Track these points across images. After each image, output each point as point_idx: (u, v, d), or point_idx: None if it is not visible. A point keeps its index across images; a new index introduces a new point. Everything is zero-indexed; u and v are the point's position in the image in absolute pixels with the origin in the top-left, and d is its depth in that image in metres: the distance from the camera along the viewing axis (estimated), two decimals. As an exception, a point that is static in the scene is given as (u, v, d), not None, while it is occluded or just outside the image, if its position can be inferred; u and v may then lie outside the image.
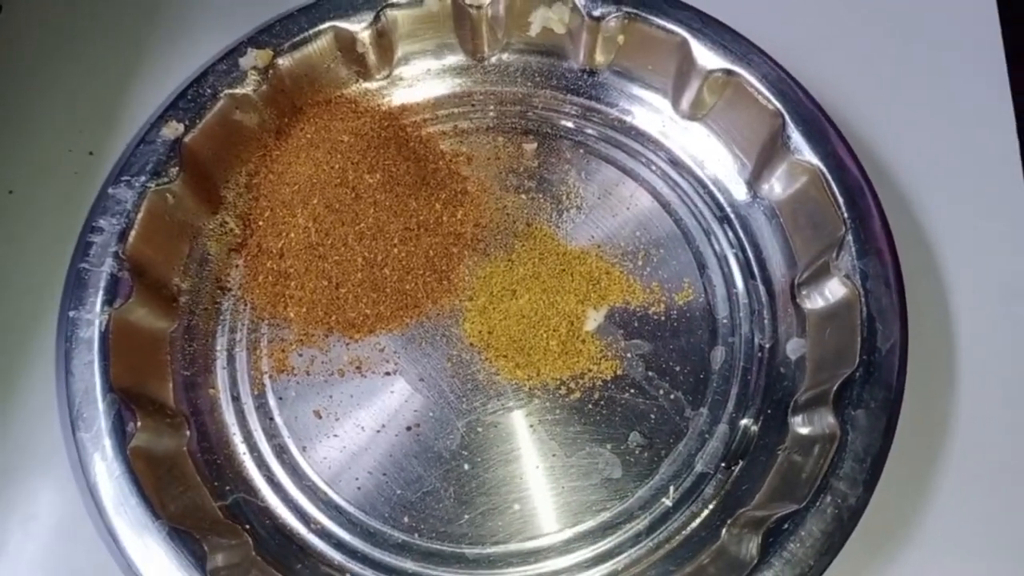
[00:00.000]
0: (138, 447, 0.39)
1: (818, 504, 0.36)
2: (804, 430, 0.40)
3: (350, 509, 0.41)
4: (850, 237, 0.41)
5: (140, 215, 0.43)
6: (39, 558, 0.42)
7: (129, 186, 0.43)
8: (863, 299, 0.40)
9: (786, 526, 0.36)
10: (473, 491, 0.41)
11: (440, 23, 0.48)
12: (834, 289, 0.42)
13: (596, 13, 0.46)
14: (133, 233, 0.43)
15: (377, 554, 0.41)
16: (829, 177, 0.42)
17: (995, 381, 0.43)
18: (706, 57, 0.45)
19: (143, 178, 0.43)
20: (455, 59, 0.50)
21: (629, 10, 0.46)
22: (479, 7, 0.47)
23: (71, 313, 0.41)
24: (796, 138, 0.43)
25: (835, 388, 0.39)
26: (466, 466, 0.42)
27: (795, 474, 0.39)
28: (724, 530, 0.39)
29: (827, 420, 0.39)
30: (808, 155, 0.43)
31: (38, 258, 0.47)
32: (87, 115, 0.51)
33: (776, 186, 0.45)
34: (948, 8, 0.51)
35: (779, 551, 0.36)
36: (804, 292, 0.43)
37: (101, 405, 0.39)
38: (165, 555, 0.37)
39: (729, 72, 0.45)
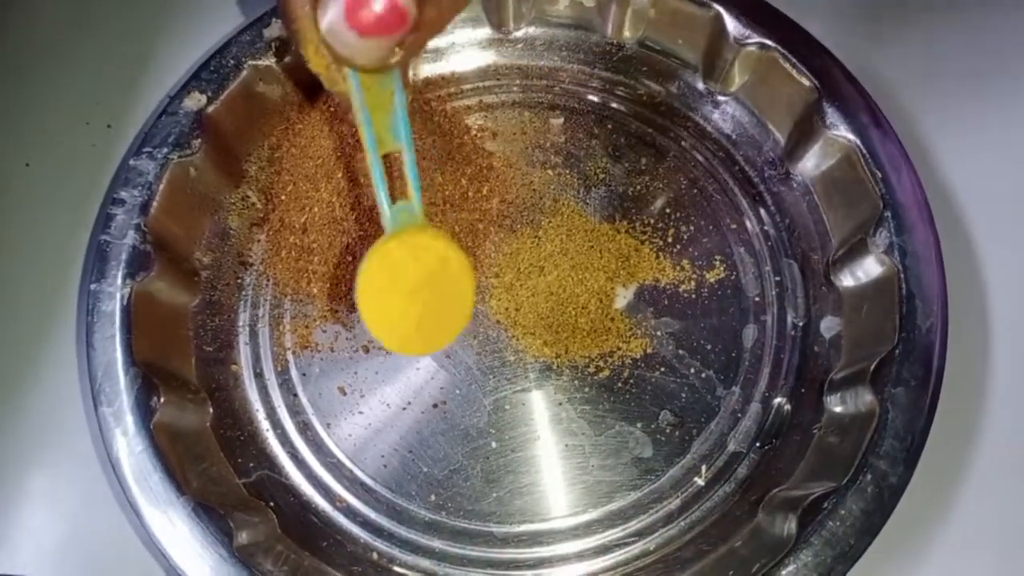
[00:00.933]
0: (161, 422, 0.38)
1: (858, 483, 0.36)
2: (840, 408, 0.40)
3: (376, 487, 0.41)
4: (888, 214, 0.40)
5: (162, 187, 0.42)
6: (61, 534, 0.41)
7: (151, 157, 0.42)
8: (902, 276, 0.39)
9: (825, 505, 0.36)
10: (500, 469, 0.41)
11: (466, -5, 0.48)
12: (870, 267, 0.41)
13: (626, -15, 0.46)
14: (155, 205, 0.42)
15: (404, 532, 0.40)
16: (865, 153, 0.42)
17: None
18: (739, 30, 0.44)
19: (165, 150, 0.43)
20: (481, 32, 0.49)
21: (661, -18, 0.45)
22: (506, -22, 0.47)
23: (92, 286, 0.40)
24: (831, 113, 0.43)
25: (873, 366, 0.38)
26: (493, 444, 0.41)
27: (831, 454, 0.38)
28: (759, 509, 0.39)
29: (865, 399, 0.38)
30: (844, 131, 0.42)
31: (57, 230, 0.46)
32: (105, 87, 0.50)
33: (810, 162, 0.44)
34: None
35: (818, 530, 0.35)
36: (839, 270, 0.43)
37: (124, 379, 0.39)
38: (190, 531, 0.36)
39: (763, 46, 0.44)
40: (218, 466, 0.40)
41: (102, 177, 0.47)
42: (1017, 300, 0.44)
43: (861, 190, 0.42)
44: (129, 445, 0.37)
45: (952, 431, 0.41)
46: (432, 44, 0.49)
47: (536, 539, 0.40)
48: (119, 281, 0.40)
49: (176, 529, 0.36)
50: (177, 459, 0.38)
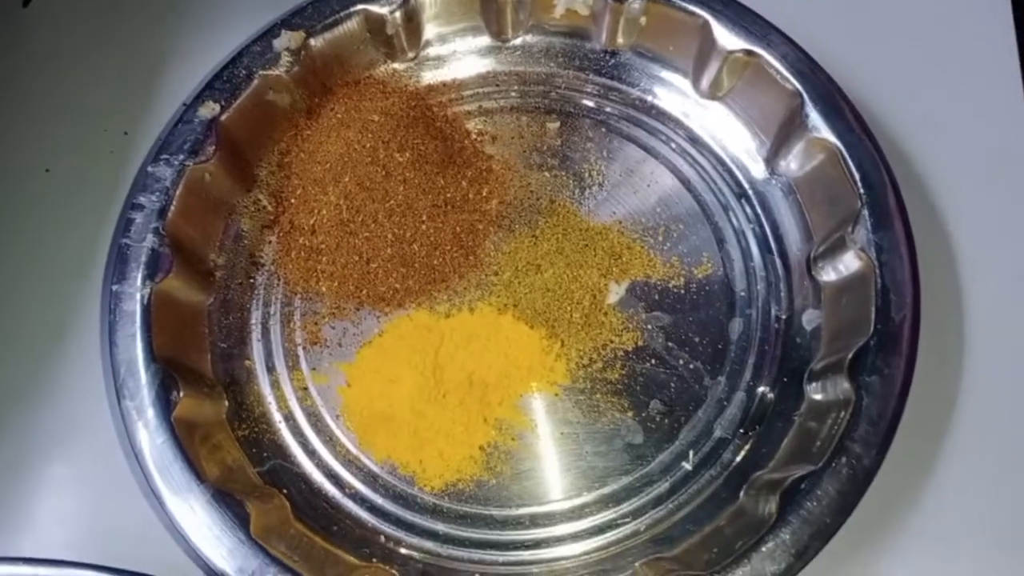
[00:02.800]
0: (180, 415, 0.41)
1: (834, 465, 0.38)
2: (819, 396, 0.42)
3: (382, 474, 0.43)
4: (866, 212, 0.42)
5: (179, 192, 0.45)
6: (87, 520, 0.44)
7: (168, 164, 0.45)
8: (878, 271, 0.41)
9: (803, 486, 0.38)
10: (499, 456, 0.43)
11: (466, 5, 0.50)
12: (849, 262, 0.43)
13: (619, -6, 0.48)
14: (172, 210, 0.44)
15: (409, 516, 0.42)
16: (845, 154, 0.44)
17: (1004, 351, 0.45)
18: (727, 38, 0.46)
19: (181, 156, 0.45)
20: (480, 40, 0.51)
21: (652, -8, 0.47)
22: (504, -11, 0.49)
23: (114, 287, 0.43)
24: (814, 117, 0.45)
25: (850, 356, 0.40)
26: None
27: (810, 439, 0.41)
28: (742, 492, 0.41)
29: (842, 386, 0.40)
30: (825, 133, 0.44)
31: (79, 233, 0.49)
32: (121, 96, 0.52)
33: (793, 163, 0.46)
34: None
35: (796, 510, 0.37)
36: (820, 265, 0.45)
37: (145, 375, 0.41)
38: (209, 517, 0.39)
39: (749, 52, 0.46)
40: (234, 456, 0.42)
41: (120, 182, 0.49)
42: (990, 292, 0.46)
43: (841, 189, 0.44)
44: (151, 437, 0.40)
45: (925, 417, 0.43)
46: (434, 52, 0.51)
47: (534, 521, 0.42)
48: (139, 282, 0.43)
49: (196, 515, 0.39)
50: (195, 450, 0.40)
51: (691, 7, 0.47)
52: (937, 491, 0.42)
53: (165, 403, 0.41)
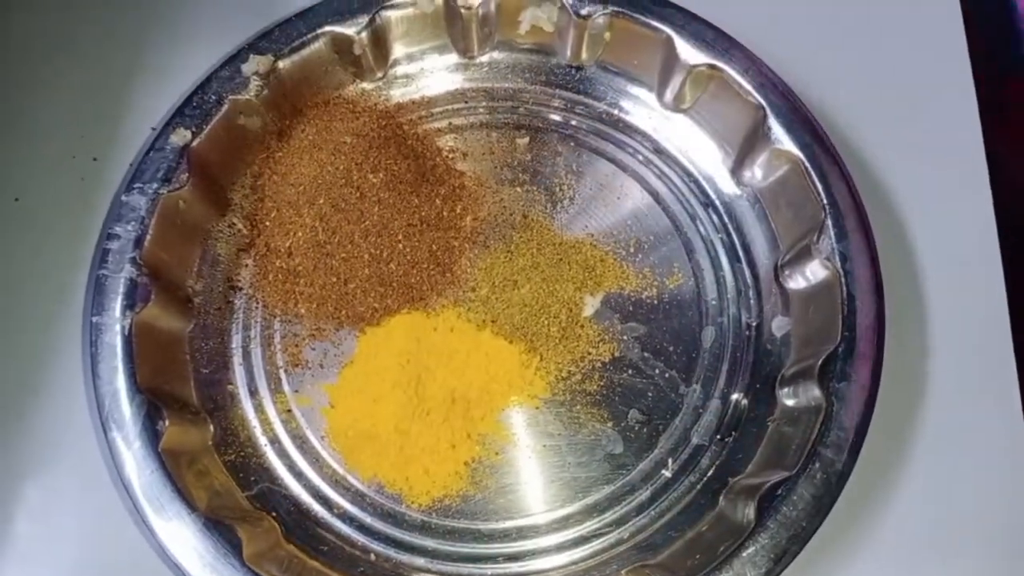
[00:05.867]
0: (167, 445, 0.41)
1: (808, 470, 0.40)
2: (791, 402, 0.44)
3: (370, 493, 0.44)
4: (829, 221, 0.44)
5: (154, 221, 0.45)
6: (78, 550, 0.44)
7: (142, 193, 0.45)
8: (842, 279, 0.43)
9: (779, 491, 0.40)
10: (484, 471, 0.44)
11: (433, 24, 0.50)
12: (815, 270, 0.45)
13: (583, 12, 0.49)
14: (148, 239, 0.44)
15: (398, 534, 0.43)
16: (808, 165, 0.45)
17: (967, 353, 0.47)
18: (689, 53, 0.48)
19: (155, 185, 0.45)
20: (448, 58, 0.52)
21: (615, 8, 0.48)
22: (470, 7, 0.49)
23: (94, 319, 0.43)
24: (776, 129, 0.46)
25: (819, 363, 0.42)
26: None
27: (785, 444, 0.42)
28: (721, 497, 0.42)
29: (813, 393, 0.42)
30: (788, 145, 0.46)
31: (53, 263, 0.48)
32: (89, 121, 0.52)
33: (758, 174, 0.48)
34: (915, 7, 0.54)
35: (774, 515, 0.39)
36: (787, 273, 0.46)
37: (130, 407, 0.41)
38: (202, 545, 0.39)
39: (712, 67, 0.47)
40: (222, 481, 0.43)
41: (92, 210, 0.49)
42: (952, 296, 0.48)
43: (805, 199, 0.45)
44: (139, 468, 0.40)
45: (894, 420, 0.45)
46: (403, 71, 0.52)
47: (520, 533, 0.43)
48: (118, 313, 0.43)
49: (189, 544, 0.39)
50: (184, 478, 0.41)
51: (653, 22, 0.48)
52: (907, 492, 0.44)
53: (152, 434, 0.41)
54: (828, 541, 0.42)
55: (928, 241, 0.49)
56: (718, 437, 0.45)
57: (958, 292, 0.48)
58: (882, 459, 0.44)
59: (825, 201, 0.44)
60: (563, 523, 0.43)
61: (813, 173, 0.45)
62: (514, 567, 0.43)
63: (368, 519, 0.44)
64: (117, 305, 0.43)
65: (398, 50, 0.51)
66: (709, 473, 0.44)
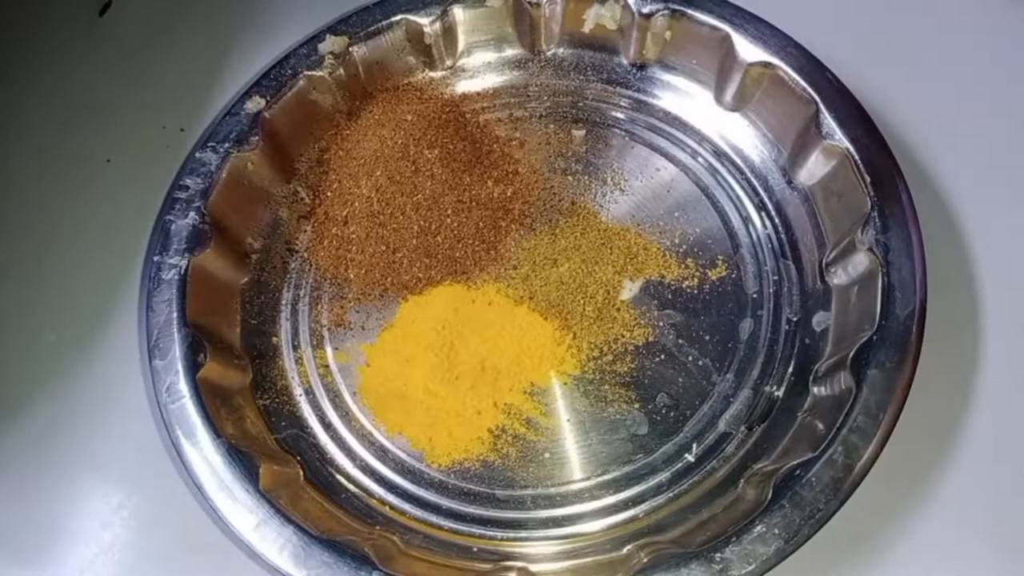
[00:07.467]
0: (205, 377, 0.43)
1: (829, 453, 0.38)
2: (824, 392, 0.42)
3: (393, 448, 0.45)
4: (875, 213, 0.43)
5: (222, 177, 0.48)
6: (116, 472, 0.46)
7: (214, 151, 0.48)
8: (884, 270, 0.42)
9: (797, 472, 0.38)
10: (506, 439, 0.44)
11: (501, 19, 0.53)
12: (858, 263, 0.44)
13: (645, 10, 0.50)
14: (214, 192, 0.47)
15: (415, 490, 0.44)
16: (857, 157, 0.44)
17: (1018, 352, 0.44)
18: (747, 50, 0.48)
19: (227, 144, 0.48)
20: (514, 52, 0.54)
21: (676, 7, 0.50)
22: (538, 5, 0.52)
23: (155, 258, 0.46)
24: (828, 123, 0.46)
25: (854, 351, 0.41)
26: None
27: (811, 433, 0.41)
28: (742, 481, 0.41)
29: (845, 382, 0.41)
30: (839, 139, 0.45)
31: (130, 214, 0.52)
32: (181, 97, 0.56)
33: (809, 171, 0.48)
34: (974, 7, 0.53)
35: (788, 494, 0.38)
36: (832, 270, 0.45)
37: (176, 337, 0.43)
38: (223, 468, 0.40)
39: (767, 64, 0.48)
40: (253, 420, 0.44)
41: (173, 171, 0.53)
42: (1005, 292, 0.46)
43: (854, 194, 0.45)
44: (174, 393, 0.42)
45: (934, 416, 0.43)
46: (470, 62, 0.54)
47: (536, 501, 0.43)
48: (179, 254, 0.46)
49: (210, 466, 0.41)
50: (216, 410, 0.42)
51: (713, 21, 0.49)
52: (940, 491, 0.42)
53: (191, 364, 0.43)
54: (849, 535, 0.40)
55: (982, 235, 0.47)
56: (745, 426, 0.43)
57: (1012, 287, 0.46)
58: (918, 455, 0.42)
59: (872, 192, 0.43)
60: (579, 496, 0.43)
61: (861, 164, 0.44)
62: (524, 534, 0.42)
63: (388, 473, 0.44)
64: (178, 247, 0.46)
65: (467, 42, 0.54)
66: (733, 461, 0.43)
